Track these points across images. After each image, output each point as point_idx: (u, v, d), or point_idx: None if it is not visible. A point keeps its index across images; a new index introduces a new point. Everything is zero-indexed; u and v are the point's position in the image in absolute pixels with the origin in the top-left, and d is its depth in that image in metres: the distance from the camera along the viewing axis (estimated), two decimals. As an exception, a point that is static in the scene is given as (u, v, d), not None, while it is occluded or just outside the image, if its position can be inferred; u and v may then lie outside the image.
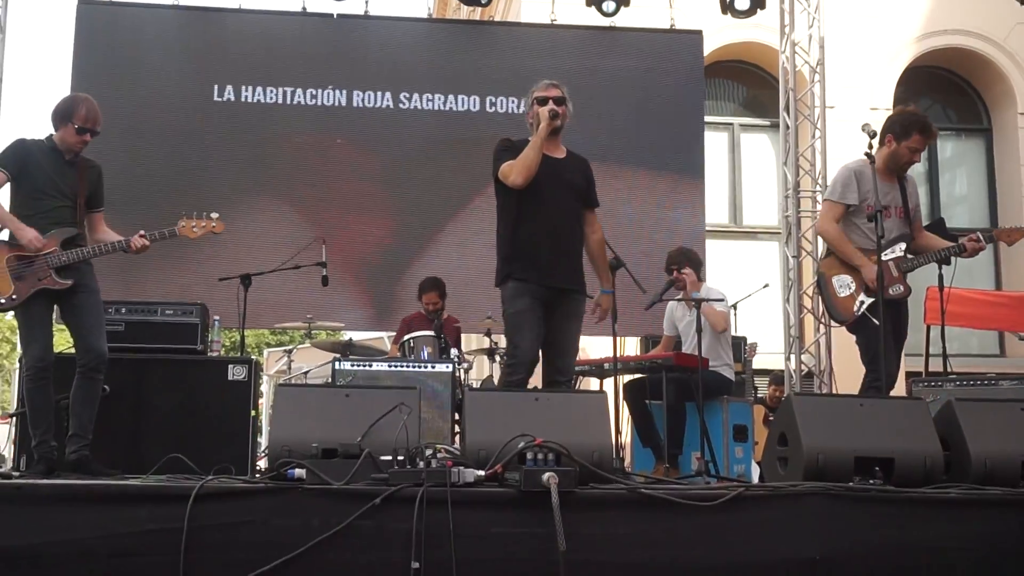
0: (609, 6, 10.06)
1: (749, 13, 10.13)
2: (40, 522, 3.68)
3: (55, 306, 5.57)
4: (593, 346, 9.78)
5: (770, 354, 10.49)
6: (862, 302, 5.77)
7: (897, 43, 12.88)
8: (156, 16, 9.91)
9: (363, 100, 9.92)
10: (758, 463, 7.16)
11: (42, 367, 5.35)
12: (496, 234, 5.88)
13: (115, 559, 3.65)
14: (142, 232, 5.67)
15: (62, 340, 6.12)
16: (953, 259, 6.26)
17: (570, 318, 5.68)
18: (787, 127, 10.32)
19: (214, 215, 5.91)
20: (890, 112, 8.50)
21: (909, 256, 5.98)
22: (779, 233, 10.92)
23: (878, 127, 5.98)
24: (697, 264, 7.51)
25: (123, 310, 6.28)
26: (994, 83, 13.34)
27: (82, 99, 5.70)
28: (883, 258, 5.69)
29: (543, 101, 5.74)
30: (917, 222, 6.22)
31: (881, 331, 5.45)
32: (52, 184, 5.53)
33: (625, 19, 10.14)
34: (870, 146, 5.78)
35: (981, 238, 6.03)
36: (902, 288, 5.86)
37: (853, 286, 5.81)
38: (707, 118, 10.94)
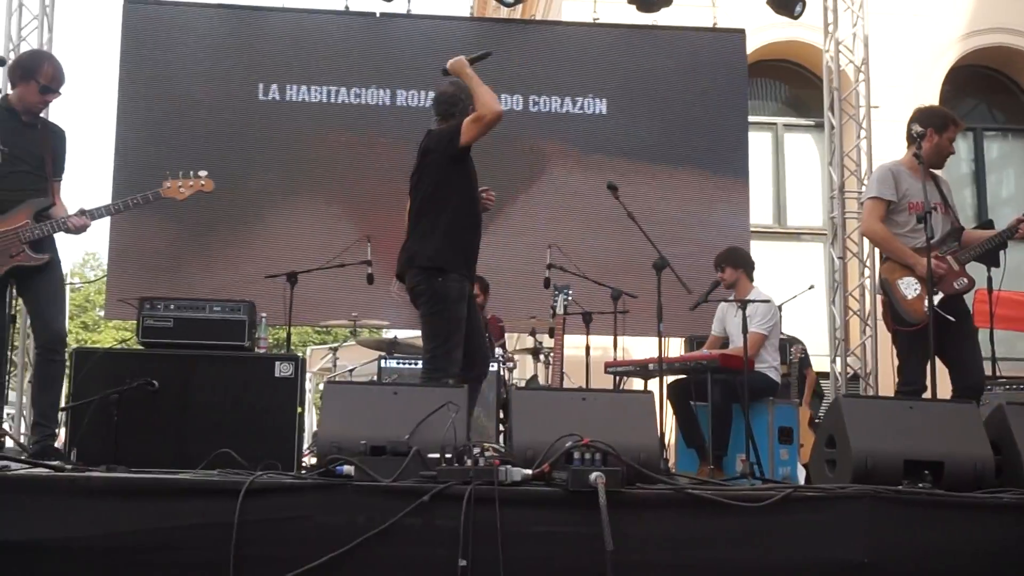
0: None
1: (800, 15, 10.04)
2: (90, 514, 3.70)
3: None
4: (637, 347, 9.76)
5: (815, 356, 10.39)
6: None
7: (942, 42, 12.71)
8: (201, 15, 10.02)
9: (407, 99, 9.96)
10: (803, 465, 7.11)
11: None
12: None
13: (163, 552, 3.67)
14: (82, 208, 5.31)
15: (109, 335, 6.08)
16: (1003, 260, 6.16)
17: None
18: (832, 127, 10.26)
19: (202, 173, 5.69)
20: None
21: (964, 249, 5.88)
22: (824, 234, 10.85)
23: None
24: (743, 264, 7.43)
25: (172, 307, 6.29)
26: (1040, 82, 13.17)
27: (46, 56, 5.38)
28: (942, 253, 5.64)
29: None
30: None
31: (932, 330, 5.37)
32: (11, 147, 5.17)
33: (667, 18, 10.10)
34: (919, 147, 5.73)
35: None
36: (966, 281, 5.75)
37: (919, 286, 5.64)
38: (750, 118, 10.84)
